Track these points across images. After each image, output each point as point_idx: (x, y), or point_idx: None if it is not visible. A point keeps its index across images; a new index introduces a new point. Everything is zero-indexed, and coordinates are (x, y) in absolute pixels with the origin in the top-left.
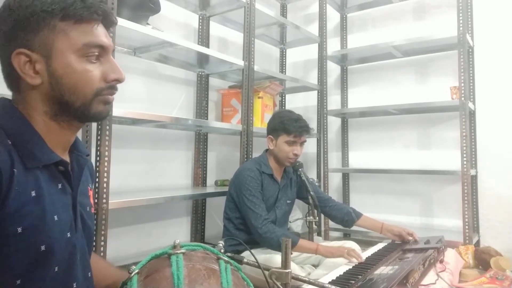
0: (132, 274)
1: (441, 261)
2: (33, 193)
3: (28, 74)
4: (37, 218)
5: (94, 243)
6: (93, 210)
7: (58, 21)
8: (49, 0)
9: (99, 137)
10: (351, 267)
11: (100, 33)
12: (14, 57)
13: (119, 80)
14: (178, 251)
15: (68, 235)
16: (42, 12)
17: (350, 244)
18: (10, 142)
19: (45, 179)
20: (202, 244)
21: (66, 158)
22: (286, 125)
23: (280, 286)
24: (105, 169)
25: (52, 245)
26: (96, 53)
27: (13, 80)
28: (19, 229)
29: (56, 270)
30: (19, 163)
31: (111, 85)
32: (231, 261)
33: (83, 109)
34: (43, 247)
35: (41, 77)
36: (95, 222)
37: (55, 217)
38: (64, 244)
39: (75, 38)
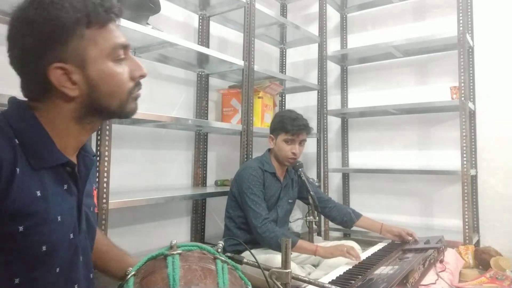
0: (129, 276)
1: (441, 261)
2: (38, 193)
3: (66, 87)
4: (40, 218)
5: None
6: (96, 210)
7: (85, 29)
8: (71, 10)
9: (99, 137)
10: (351, 267)
11: (120, 33)
12: (51, 72)
13: (143, 76)
14: (174, 252)
15: (71, 236)
16: (69, 22)
17: (351, 244)
18: (17, 142)
19: (50, 180)
20: (199, 244)
21: (74, 158)
22: (284, 123)
23: (280, 286)
24: (105, 169)
25: (54, 245)
26: (122, 55)
27: (42, 92)
28: (21, 228)
29: (57, 270)
30: (25, 162)
31: (138, 82)
32: (228, 260)
33: (119, 110)
34: (44, 247)
35: (78, 88)
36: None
37: (59, 217)
38: (66, 245)
39: (103, 43)
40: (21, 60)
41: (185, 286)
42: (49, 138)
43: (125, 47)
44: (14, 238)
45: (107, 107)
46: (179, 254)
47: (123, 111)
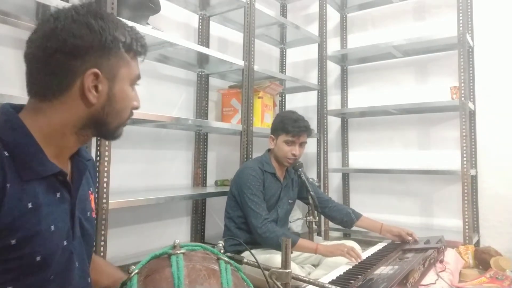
0: (132, 274)
1: (441, 261)
2: (30, 205)
3: (91, 93)
4: (32, 229)
5: (94, 246)
6: (94, 215)
7: (124, 52)
8: (122, 32)
9: (99, 138)
10: (351, 267)
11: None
12: (88, 75)
13: (138, 108)
14: (178, 251)
15: (65, 243)
16: (118, 40)
17: (351, 244)
18: (6, 154)
19: (42, 190)
20: (202, 244)
21: (67, 164)
22: (285, 124)
23: (280, 286)
24: (105, 169)
25: (48, 255)
26: (136, 84)
27: (60, 91)
28: (13, 241)
29: (51, 278)
30: (15, 175)
31: (132, 111)
32: (231, 261)
33: (114, 130)
34: (38, 258)
35: (99, 97)
36: (95, 224)
37: (52, 227)
38: (60, 253)
39: (133, 69)
40: (60, 54)
41: (190, 285)
42: (40, 149)
43: (139, 79)
44: (7, 251)
45: (109, 124)
46: (183, 253)
47: (116, 131)
